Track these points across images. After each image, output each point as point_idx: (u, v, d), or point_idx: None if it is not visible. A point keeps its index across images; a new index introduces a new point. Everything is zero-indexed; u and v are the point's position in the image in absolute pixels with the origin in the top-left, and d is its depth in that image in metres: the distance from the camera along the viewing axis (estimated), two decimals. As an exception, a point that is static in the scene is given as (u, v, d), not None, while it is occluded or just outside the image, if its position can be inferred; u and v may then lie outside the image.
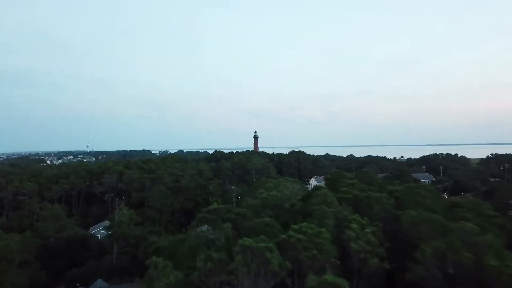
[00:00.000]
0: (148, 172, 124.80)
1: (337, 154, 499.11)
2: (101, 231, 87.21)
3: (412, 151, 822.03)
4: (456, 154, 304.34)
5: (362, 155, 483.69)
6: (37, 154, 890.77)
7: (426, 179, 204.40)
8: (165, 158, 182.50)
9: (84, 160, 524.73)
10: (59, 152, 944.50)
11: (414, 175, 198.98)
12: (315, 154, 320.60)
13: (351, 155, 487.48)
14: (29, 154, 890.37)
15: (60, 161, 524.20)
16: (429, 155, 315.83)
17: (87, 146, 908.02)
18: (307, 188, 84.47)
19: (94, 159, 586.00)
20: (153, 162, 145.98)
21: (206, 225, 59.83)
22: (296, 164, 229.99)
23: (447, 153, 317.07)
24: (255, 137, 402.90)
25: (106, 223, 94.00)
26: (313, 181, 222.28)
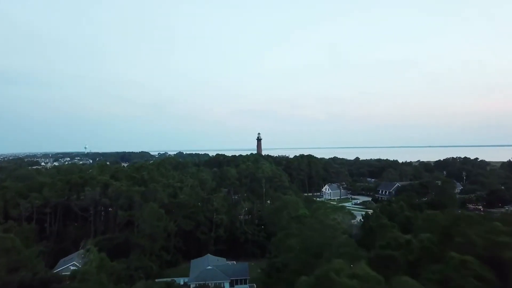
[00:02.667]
0: (139, 183, 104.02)
1: (340, 156, 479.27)
2: (71, 268, 66.25)
3: (416, 153, 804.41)
4: (476, 158, 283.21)
5: (366, 157, 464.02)
6: (34, 155, 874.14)
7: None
8: (161, 163, 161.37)
9: (80, 162, 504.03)
10: (57, 154, 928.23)
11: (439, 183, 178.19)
12: (319, 157, 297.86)
13: (358, 158, 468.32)
14: (27, 155, 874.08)
15: (55, 163, 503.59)
16: (446, 158, 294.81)
17: (85, 148, 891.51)
18: (353, 217, 62.91)
19: (91, 161, 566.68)
20: (146, 170, 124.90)
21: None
22: (307, 169, 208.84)
23: (465, 157, 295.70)
24: (259, 139, 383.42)
25: (81, 253, 73.05)
26: (326, 189, 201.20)
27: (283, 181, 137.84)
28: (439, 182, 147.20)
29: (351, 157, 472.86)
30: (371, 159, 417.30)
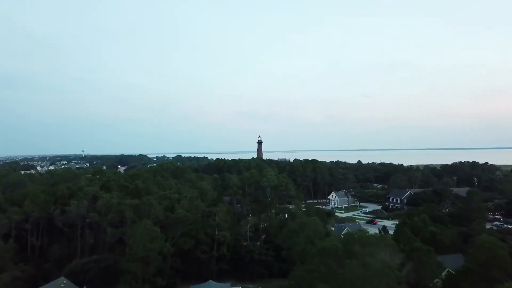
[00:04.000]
0: (133, 194, 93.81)
1: (341, 160, 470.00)
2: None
3: (418, 156, 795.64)
4: (486, 163, 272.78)
5: (367, 160, 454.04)
6: (32, 158, 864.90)
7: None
8: (158, 170, 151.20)
9: (77, 166, 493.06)
10: (55, 156, 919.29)
11: (455, 190, 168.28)
12: (321, 161, 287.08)
13: (360, 161, 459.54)
14: (24, 158, 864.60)
15: (51, 167, 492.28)
16: (454, 163, 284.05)
17: (82, 151, 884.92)
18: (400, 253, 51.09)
19: (88, 164, 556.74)
20: (141, 177, 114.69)
21: None
22: (312, 175, 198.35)
23: (473, 161, 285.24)
24: (259, 143, 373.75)
25: (61, 282, 62.81)
26: (333, 197, 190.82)
27: (289, 190, 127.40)
28: (466, 191, 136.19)
29: (352, 160, 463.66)
30: (373, 162, 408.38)
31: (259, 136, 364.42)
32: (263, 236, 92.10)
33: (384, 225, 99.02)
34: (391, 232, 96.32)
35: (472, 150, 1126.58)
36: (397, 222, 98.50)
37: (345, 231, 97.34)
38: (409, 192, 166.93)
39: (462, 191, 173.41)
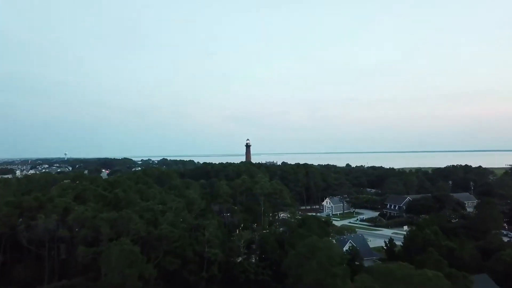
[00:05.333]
0: (111, 205, 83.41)
1: (330, 163, 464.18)
2: None
3: (404, 159, 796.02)
4: (480, 166, 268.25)
5: (355, 163, 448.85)
6: (12, 161, 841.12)
7: (467, 200, 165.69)
8: (141, 177, 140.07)
9: (58, 170, 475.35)
10: (36, 159, 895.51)
11: (455, 195, 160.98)
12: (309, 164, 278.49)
13: (349, 164, 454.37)
14: (4, 161, 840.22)
15: (32, 171, 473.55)
16: (447, 166, 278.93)
17: (65, 154, 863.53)
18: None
19: (70, 168, 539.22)
20: (122, 185, 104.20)
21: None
22: (305, 180, 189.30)
23: (466, 165, 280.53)
24: (247, 146, 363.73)
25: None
26: (327, 203, 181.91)
27: (284, 197, 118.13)
28: (478, 199, 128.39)
29: (340, 163, 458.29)
30: (362, 165, 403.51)
31: (247, 139, 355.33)
32: (258, 252, 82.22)
33: (391, 237, 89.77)
34: (398, 243, 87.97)
35: (460, 152, 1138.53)
36: (405, 233, 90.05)
37: (348, 244, 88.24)
38: (408, 198, 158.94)
39: (461, 196, 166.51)
